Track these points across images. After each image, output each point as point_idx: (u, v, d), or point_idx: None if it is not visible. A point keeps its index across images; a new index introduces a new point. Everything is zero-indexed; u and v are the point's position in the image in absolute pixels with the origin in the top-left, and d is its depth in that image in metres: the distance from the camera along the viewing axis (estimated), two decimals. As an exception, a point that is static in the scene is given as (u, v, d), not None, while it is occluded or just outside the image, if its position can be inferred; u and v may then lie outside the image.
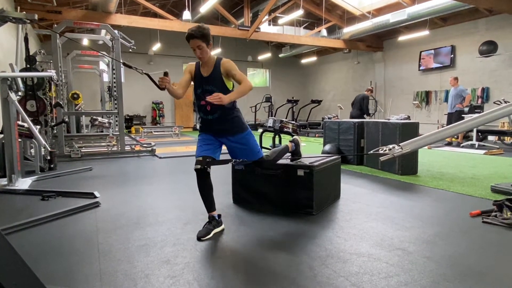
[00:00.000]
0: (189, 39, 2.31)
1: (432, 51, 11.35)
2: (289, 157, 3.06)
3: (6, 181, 3.80)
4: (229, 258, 2.05)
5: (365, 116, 8.60)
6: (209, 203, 2.44)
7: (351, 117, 8.66)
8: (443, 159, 6.00)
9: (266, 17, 11.17)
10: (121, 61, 2.48)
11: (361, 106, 8.51)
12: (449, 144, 8.16)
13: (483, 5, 7.76)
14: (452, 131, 2.92)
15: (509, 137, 8.12)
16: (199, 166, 2.32)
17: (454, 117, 7.88)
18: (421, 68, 11.77)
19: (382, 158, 2.71)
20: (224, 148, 2.56)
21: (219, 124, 2.45)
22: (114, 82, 6.78)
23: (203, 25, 2.35)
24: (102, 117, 8.32)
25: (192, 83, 2.50)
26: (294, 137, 3.10)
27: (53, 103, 6.10)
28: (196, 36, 2.29)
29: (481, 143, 7.66)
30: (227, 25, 11.97)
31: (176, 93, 2.39)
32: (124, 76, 6.81)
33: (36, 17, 3.06)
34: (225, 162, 2.57)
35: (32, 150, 5.26)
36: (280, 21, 11.98)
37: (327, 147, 5.60)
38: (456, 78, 8.19)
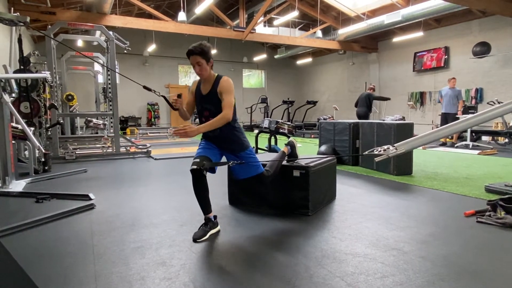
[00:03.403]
0: (189, 55, 2.35)
1: (426, 52, 11.44)
2: (286, 158, 3.07)
3: (0, 183, 3.77)
4: (225, 260, 2.04)
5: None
6: (205, 205, 2.43)
7: (358, 115, 8.71)
8: (437, 159, 6.04)
9: (262, 18, 11.19)
10: (142, 84, 2.51)
11: (367, 104, 8.58)
12: (444, 144, 8.22)
13: (476, 6, 7.83)
14: (446, 131, 2.93)
15: (502, 137, 8.20)
16: (195, 167, 2.31)
17: (450, 118, 7.94)
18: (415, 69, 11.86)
19: (377, 159, 2.72)
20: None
21: (220, 141, 2.51)
22: (109, 83, 6.74)
23: (204, 42, 2.38)
24: (97, 119, 8.28)
25: None
26: (289, 139, 3.09)
27: (48, 105, 6.05)
28: (196, 52, 2.32)
29: (475, 144, 7.72)
30: (223, 26, 11.98)
31: (185, 115, 2.50)
32: (119, 77, 6.78)
33: (28, 19, 3.03)
34: (222, 164, 2.57)
35: (26, 152, 5.22)
36: (275, 22, 12.01)
37: (323, 148, 5.62)
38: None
